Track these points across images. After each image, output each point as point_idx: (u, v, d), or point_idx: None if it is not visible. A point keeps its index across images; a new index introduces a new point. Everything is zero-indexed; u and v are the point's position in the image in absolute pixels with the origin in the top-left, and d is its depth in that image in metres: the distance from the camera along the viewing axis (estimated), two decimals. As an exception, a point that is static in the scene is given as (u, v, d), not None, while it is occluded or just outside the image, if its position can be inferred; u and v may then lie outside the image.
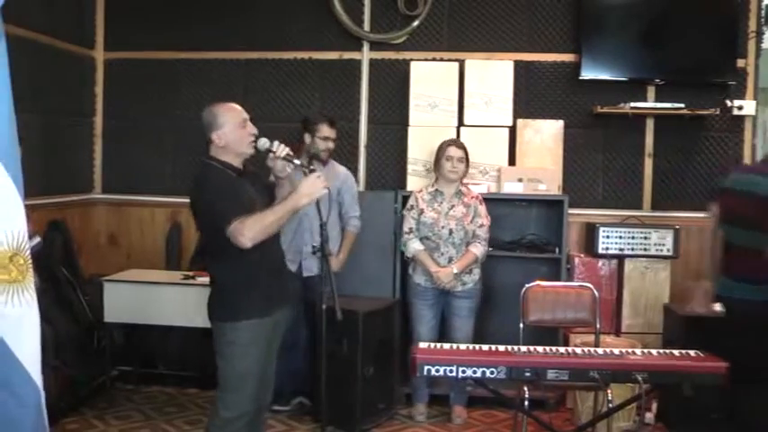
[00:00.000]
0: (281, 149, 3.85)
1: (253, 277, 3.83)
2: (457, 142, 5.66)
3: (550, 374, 3.73)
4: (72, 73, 6.47)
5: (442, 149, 5.60)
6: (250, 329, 3.81)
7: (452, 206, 5.54)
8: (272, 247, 3.94)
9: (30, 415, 2.86)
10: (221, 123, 3.83)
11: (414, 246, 5.53)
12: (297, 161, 3.91)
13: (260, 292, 3.84)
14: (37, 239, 3.98)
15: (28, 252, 2.90)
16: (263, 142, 3.89)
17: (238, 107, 3.93)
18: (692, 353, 3.85)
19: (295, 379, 5.71)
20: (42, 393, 2.92)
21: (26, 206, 3.84)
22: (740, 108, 6.11)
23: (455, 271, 5.44)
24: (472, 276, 5.56)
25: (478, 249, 5.49)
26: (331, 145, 5.67)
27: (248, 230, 3.63)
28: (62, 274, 5.85)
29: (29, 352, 2.86)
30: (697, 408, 5.02)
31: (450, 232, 5.49)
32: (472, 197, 5.59)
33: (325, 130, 5.62)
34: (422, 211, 5.55)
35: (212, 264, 4.00)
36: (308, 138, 5.64)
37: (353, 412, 5.28)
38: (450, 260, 5.50)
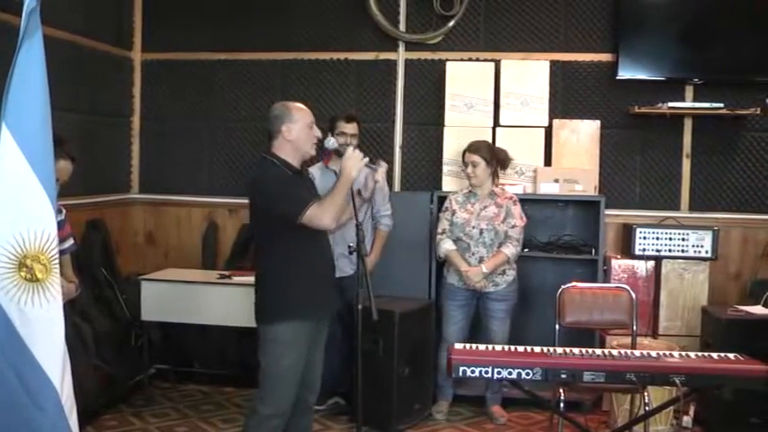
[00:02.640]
0: (352, 151, 3.97)
1: (299, 278, 3.91)
2: (472, 147, 5.55)
3: (587, 376, 3.70)
4: (110, 74, 6.52)
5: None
6: (291, 330, 3.91)
7: (485, 207, 5.52)
8: (323, 254, 4.11)
9: (47, 418, 2.85)
10: (295, 118, 3.99)
11: (445, 246, 5.53)
12: (368, 161, 4.01)
13: (304, 295, 3.94)
14: (70, 242, 4.00)
15: (54, 252, 2.91)
16: (332, 142, 4.22)
17: (308, 109, 4.09)
18: (731, 356, 3.80)
19: (331, 379, 5.72)
20: (63, 396, 2.90)
21: (65, 206, 3.90)
22: (782, 107, 6.01)
23: (485, 270, 5.42)
24: (505, 278, 5.54)
25: (509, 250, 5.45)
26: (349, 140, 5.55)
27: (326, 213, 3.83)
28: (101, 273, 5.93)
29: (48, 353, 2.86)
30: (736, 412, 4.98)
31: (481, 232, 5.48)
32: (506, 198, 5.56)
33: (341, 126, 5.60)
34: (454, 213, 5.55)
35: (262, 259, 4.09)
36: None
37: (389, 412, 5.29)
38: (480, 260, 5.48)
